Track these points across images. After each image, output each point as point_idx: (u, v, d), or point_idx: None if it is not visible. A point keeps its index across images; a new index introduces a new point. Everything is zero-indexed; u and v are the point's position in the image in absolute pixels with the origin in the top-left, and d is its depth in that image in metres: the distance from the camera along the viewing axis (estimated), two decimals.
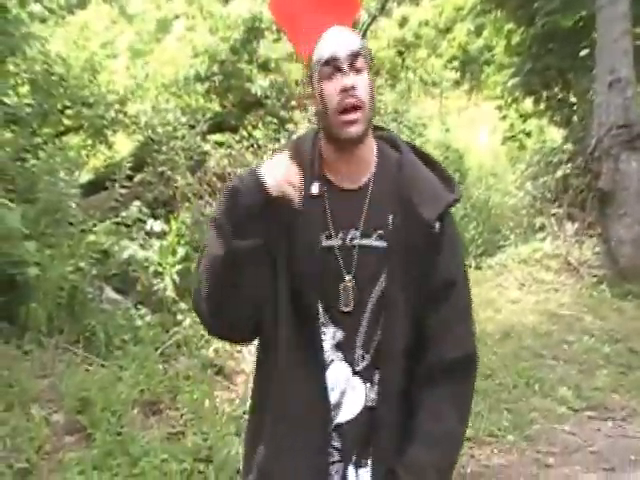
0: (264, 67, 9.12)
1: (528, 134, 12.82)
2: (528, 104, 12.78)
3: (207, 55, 8.59)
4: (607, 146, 9.18)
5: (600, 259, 9.18)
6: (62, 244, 5.76)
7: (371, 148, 1.95)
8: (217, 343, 5.92)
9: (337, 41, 1.85)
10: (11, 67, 6.55)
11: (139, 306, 6.07)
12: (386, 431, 1.91)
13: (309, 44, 2.16)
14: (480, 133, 14.60)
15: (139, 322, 5.93)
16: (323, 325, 1.91)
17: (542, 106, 12.40)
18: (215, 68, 8.64)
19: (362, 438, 1.91)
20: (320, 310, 1.90)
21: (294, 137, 2.22)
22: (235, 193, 1.80)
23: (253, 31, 8.91)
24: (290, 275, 1.88)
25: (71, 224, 5.99)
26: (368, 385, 1.91)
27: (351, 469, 1.93)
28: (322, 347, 1.90)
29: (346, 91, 1.81)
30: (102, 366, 5.34)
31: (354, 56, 1.83)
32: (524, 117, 12.82)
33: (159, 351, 5.69)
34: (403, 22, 16.05)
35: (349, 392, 1.90)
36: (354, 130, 1.82)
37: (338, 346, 1.91)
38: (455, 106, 15.38)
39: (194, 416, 5.05)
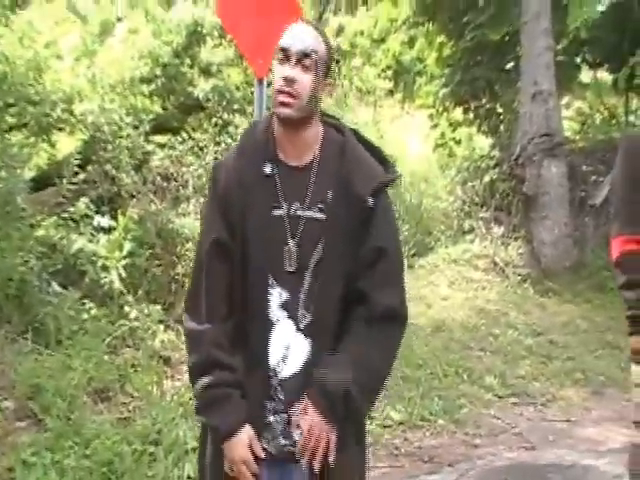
0: (206, 71, 9.28)
1: (458, 142, 13.09)
2: (458, 113, 13.07)
3: (150, 58, 8.73)
4: (530, 153, 9.67)
5: (524, 259, 9.58)
6: (11, 237, 5.83)
7: (316, 132, 2.20)
8: (163, 335, 6.07)
9: (295, 35, 2.11)
10: None
11: (86, 299, 6.16)
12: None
13: (259, 55, 2.51)
14: (412, 141, 14.88)
15: (86, 315, 6.01)
16: (270, 287, 2.13)
17: (471, 115, 12.74)
18: (158, 71, 8.77)
19: (303, 390, 2.11)
20: (268, 273, 2.13)
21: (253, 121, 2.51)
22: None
23: (195, 36, 9.08)
24: (243, 243, 2.12)
25: (21, 218, 6.06)
26: (309, 341, 2.12)
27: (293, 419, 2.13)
28: (269, 306, 2.12)
29: (286, 80, 2.08)
30: (49, 355, 5.38)
31: (304, 54, 2.08)
32: (454, 126, 13.06)
33: (106, 342, 5.77)
34: (339, 31, 16.30)
35: (293, 347, 2.11)
36: (284, 111, 2.09)
37: (283, 305, 2.12)
38: (389, 114, 15.55)
39: (142, 403, 5.22)
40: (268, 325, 2.12)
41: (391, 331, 2.18)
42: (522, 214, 9.91)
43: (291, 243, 2.13)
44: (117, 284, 6.22)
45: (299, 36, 2.11)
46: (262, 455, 2.10)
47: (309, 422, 2.05)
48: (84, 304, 6.06)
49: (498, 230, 10.03)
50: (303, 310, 2.13)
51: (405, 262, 9.75)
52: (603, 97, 13.28)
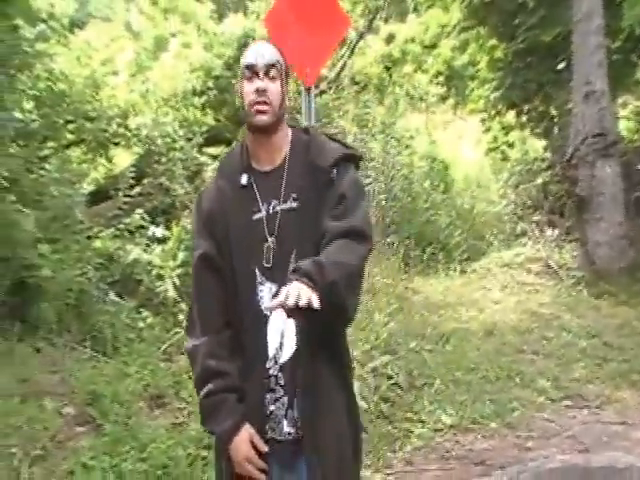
0: None
1: (510, 145, 13.05)
2: (510, 117, 13.01)
3: (202, 71, 8.93)
4: (583, 154, 9.50)
5: (578, 261, 9.48)
6: (70, 249, 6.04)
7: (285, 135, 2.41)
8: None
9: (258, 52, 2.32)
10: (18, 84, 6.83)
11: (142, 308, 6.32)
12: (315, 362, 2.27)
13: (307, 65, 2.63)
14: (465, 146, 14.84)
15: (142, 323, 6.17)
16: (260, 284, 2.31)
17: (523, 118, 12.69)
18: (210, 83, 8.97)
19: (299, 371, 2.26)
20: (257, 272, 2.31)
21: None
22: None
23: (246, 47, 9.15)
24: (230, 252, 2.32)
25: (79, 230, 6.27)
26: (297, 322, 2.12)
27: (294, 404, 2.29)
28: (262, 302, 2.28)
29: (258, 92, 2.27)
30: (106, 362, 5.55)
31: (269, 66, 2.29)
32: (506, 129, 13.05)
33: (162, 349, 5.93)
34: (389, 39, 16.32)
35: (287, 333, 2.14)
36: (263, 118, 2.29)
37: (274, 297, 2.17)
38: (441, 120, 15.57)
39: (197, 407, 5.32)
40: (263, 320, 2.16)
41: (356, 244, 2.23)
42: (576, 216, 9.77)
43: (270, 240, 2.31)
44: (171, 292, 6.37)
45: (261, 52, 2.32)
46: (265, 449, 2.27)
47: (286, 288, 2.05)
48: (140, 312, 6.23)
49: (551, 233, 9.94)
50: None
51: (457, 267, 9.75)
52: None
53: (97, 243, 6.53)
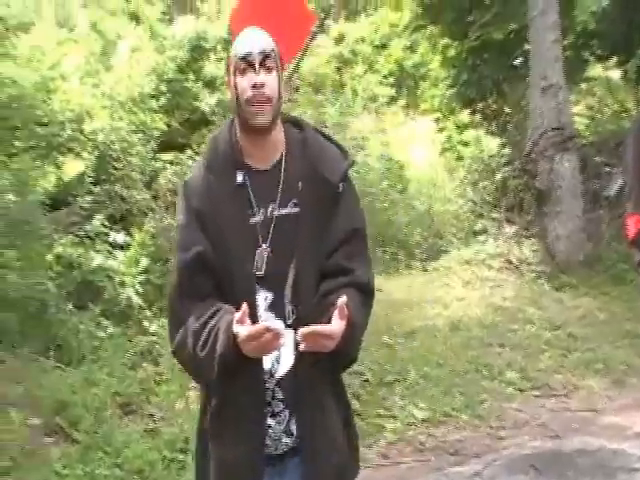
0: (210, 85, 9.35)
1: (465, 144, 13.17)
2: (464, 116, 13.16)
3: (155, 74, 8.79)
4: (542, 148, 9.61)
5: (538, 256, 9.54)
6: (31, 256, 5.92)
7: (280, 130, 2.22)
8: None
9: (252, 41, 2.12)
10: None
11: (105, 315, 6.22)
12: (314, 378, 2.15)
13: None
14: (418, 147, 14.94)
15: (104, 332, 6.08)
16: (255, 292, 2.13)
17: (478, 117, 12.75)
18: (163, 87, 8.84)
19: (298, 386, 2.14)
20: (252, 279, 2.13)
21: (211, 133, 2.48)
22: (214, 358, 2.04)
23: (198, 50, 9.16)
24: (223, 255, 2.12)
25: (38, 238, 6.14)
26: (294, 332, 2.06)
27: (293, 419, 2.17)
28: (257, 311, 2.11)
29: (256, 87, 2.07)
30: (71, 372, 5.47)
31: (265, 56, 2.10)
32: (461, 128, 13.19)
33: (127, 357, 5.85)
34: (340, 39, 16.35)
35: (284, 345, 2.05)
36: (262, 120, 2.10)
37: (270, 307, 2.14)
38: (393, 121, 15.63)
39: (167, 413, 5.25)
40: None
41: (368, 303, 2.24)
42: (535, 210, 9.88)
43: (263, 246, 2.14)
44: (135, 299, 6.29)
45: (254, 40, 2.13)
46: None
47: (339, 325, 1.96)
48: (103, 321, 6.13)
49: (511, 229, 10.02)
50: (290, 307, 2.15)
51: (419, 265, 9.81)
52: (612, 91, 13.21)
53: (58, 250, 6.40)
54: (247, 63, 2.10)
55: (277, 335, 1.90)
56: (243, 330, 1.92)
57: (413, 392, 5.89)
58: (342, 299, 1.93)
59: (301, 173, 2.19)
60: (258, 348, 1.94)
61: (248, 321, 1.94)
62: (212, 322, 2.06)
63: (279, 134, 2.22)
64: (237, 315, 1.94)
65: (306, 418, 2.17)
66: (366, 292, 2.21)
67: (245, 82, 2.10)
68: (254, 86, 2.08)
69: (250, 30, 2.17)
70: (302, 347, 1.94)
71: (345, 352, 2.10)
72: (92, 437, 4.68)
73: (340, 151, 2.30)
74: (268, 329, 1.89)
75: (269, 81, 2.10)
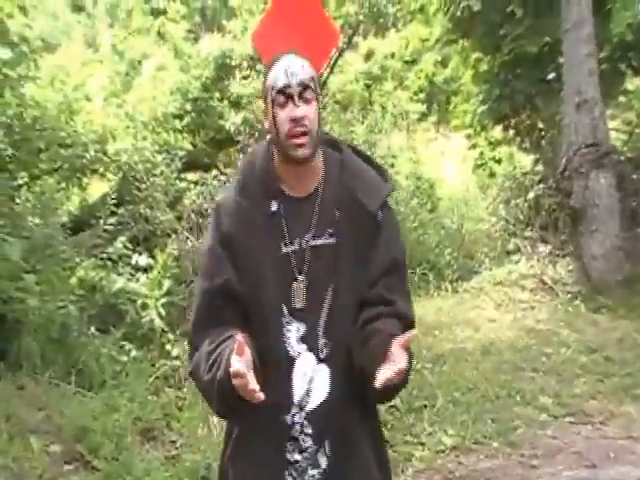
0: (236, 104, 9.29)
1: (498, 161, 12.95)
2: (497, 132, 12.91)
3: (179, 93, 8.76)
4: (577, 165, 9.37)
5: (574, 276, 9.33)
6: (52, 280, 5.87)
7: (319, 157, 2.14)
8: None
9: (290, 71, 2.02)
10: None
11: (127, 339, 6.16)
12: (347, 412, 2.09)
13: None
14: (449, 164, 14.80)
15: (126, 356, 6.02)
16: (287, 323, 2.06)
17: (511, 132, 12.52)
18: (187, 106, 8.80)
19: (330, 421, 2.08)
20: (284, 310, 2.06)
21: (245, 157, 2.43)
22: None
23: (224, 68, 9.11)
24: (254, 284, 2.05)
25: (60, 261, 6.10)
26: (330, 368, 2.08)
27: (322, 451, 2.09)
28: (289, 343, 2.06)
29: (296, 121, 1.99)
30: (92, 398, 5.43)
31: (304, 88, 2.01)
32: (493, 145, 12.97)
33: (149, 382, 5.78)
34: (369, 55, 16.23)
35: (316, 379, 2.06)
36: (303, 152, 2.02)
37: (303, 339, 2.07)
38: (423, 138, 15.50)
39: (189, 440, 5.17)
40: (289, 362, 2.07)
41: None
42: (570, 229, 9.64)
43: (300, 278, 2.08)
44: (157, 322, 6.21)
45: (292, 70, 2.03)
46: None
47: (405, 359, 1.85)
48: (125, 344, 6.07)
49: (545, 248, 9.81)
50: (324, 339, 2.09)
51: (449, 286, 9.64)
52: None
53: (79, 272, 6.35)
54: (286, 96, 2.02)
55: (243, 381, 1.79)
56: (235, 364, 1.79)
57: (442, 418, 5.71)
58: (410, 333, 1.87)
59: (338, 199, 2.12)
60: (239, 388, 1.83)
61: (248, 353, 1.83)
62: (221, 347, 1.98)
63: (318, 160, 2.14)
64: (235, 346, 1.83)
65: (337, 456, 2.10)
66: (407, 324, 2.10)
67: (284, 115, 2.02)
68: (294, 120, 2.00)
69: (287, 58, 2.06)
70: (378, 385, 1.81)
71: (404, 385, 2.01)
72: (112, 465, 4.62)
73: (380, 174, 2.21)
74: (237, 373, 1.78)
75: (309, 113, 2.02)
